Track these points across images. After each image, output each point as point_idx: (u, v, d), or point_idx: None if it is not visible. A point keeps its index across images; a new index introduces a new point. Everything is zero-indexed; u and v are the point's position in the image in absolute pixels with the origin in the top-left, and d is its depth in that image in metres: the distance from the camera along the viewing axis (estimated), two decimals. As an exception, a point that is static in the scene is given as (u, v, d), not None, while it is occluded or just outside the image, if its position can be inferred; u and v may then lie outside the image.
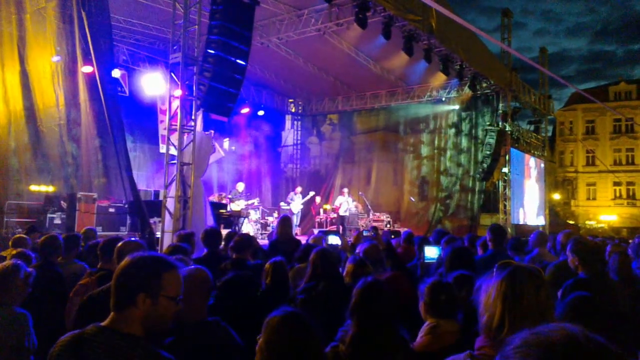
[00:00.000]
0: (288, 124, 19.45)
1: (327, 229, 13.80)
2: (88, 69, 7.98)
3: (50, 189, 9.11)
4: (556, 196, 32.73)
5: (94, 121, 8.33)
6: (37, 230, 6.67)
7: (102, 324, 1.61)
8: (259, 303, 3.17)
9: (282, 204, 14.90)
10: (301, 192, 14.90)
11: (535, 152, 18.95)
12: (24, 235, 5.28)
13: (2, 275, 2.83)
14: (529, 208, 18.11)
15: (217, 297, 2.89)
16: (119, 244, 2.95)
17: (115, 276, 1.68)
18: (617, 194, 35.95)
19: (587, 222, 34.12)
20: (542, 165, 19.48)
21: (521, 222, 16.90)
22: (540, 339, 0.82)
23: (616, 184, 35.44)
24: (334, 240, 5.13)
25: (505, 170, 15.53)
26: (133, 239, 3.27)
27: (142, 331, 1.61)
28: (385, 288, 2.34)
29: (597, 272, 2.99)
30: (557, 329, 0.83)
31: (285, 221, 5.70)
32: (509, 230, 14.48)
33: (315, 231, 13.43)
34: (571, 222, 32.19)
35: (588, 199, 37.04)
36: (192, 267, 2.40)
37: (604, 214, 35.02)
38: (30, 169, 8.87)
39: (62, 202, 8.82)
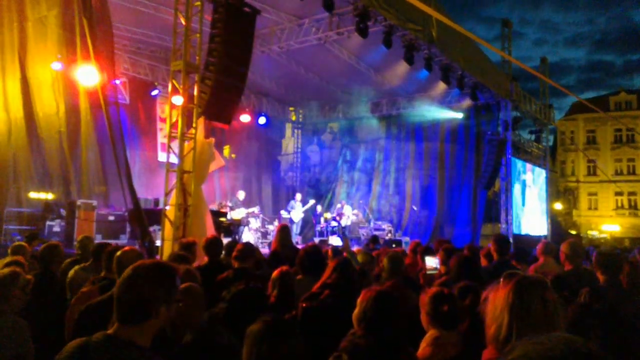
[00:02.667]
0: (288, 132, 19.47)
1: (328, 237, 13.74)
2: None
3: (49, 196, 9.08)
4: (557, 206, 32.66)
5: (94, 129, 8.33)
6: (37, 238, 6.64)
7: (109, 332, 1.59)
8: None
9: (282, 212, 14.86)
10: (301, 201, 14.87)
11: (537, 162, 18.93)
12: (24, 243, 5.24)
13: (0, 284, 2.80)
14: (531, 218, 18.06)
15: (228, 309, 2.86)
16: (118, 252, 2.92)
17: (131, 289, 1.61)
18: (619, 204, 35.89)
19: (589, 232, 34.02)
20: (544, 174, 19.46)
21: (523, 232, 16.83)
22: (540, 350, 0.80)
23: (618, 193, 35.39)
24: (335, 242, 5.12)
25: (506, 179, 15.51)
26: (132, 247, 3.23)
27: (150, 341, 1.59)
28: (398, 299, 2.31)
29: (618, 281, 2.96)
30: (559, 340, 0.80)
31: (283, 230, 5.68)
32: (510, 240, 14.41)
33: (316, 240, 13.38)
34: (573, 232, 32.07)
35: (590, 208, 36.97)
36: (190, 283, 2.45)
37: (606, 223, 34.94)
38: (30, 176, 8.85)
39: (61, 209, 8.79)
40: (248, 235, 12.55)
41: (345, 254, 4.84)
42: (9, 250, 4.83)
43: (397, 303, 2.25)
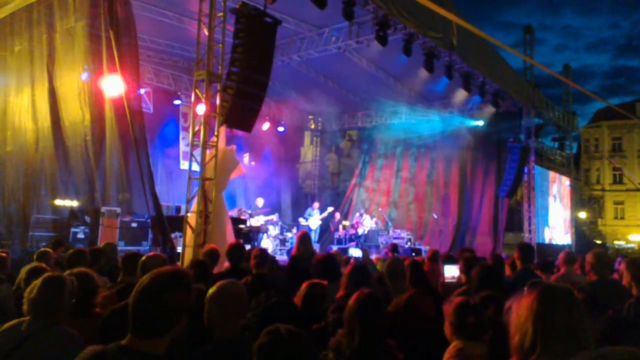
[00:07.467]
0: (307, 140, 19.55)
1: (347, 245, 13.69)
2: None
3: (74, 203, 9.27)
4: (582, 215, 31.85)
5: (119, 137, 8.50)
6: (62, 245, 6.78)
7: (123, 343, 1.57)
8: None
9: (300, 219, 14.90)
10: (319, 208, 14.88)
11: (560, 170, 18.55)
12: (49, 250, 5.36)
13: (48, 289, 2.42)
14: (555, 227, 17.67)
15: (258, 321, 2.89)
16: (143, 257, 2.96)
17: (154, 298, 1.57)
18: (648, 213, 34.82)
19: (615, 241, 33.03)
20: (568, 183, 19.05)
21: (546, 241, 16.47)
22: None
23: (646, 203, 34.35)
24: (355, 253, 5.13)
25: (529, 187, 15.23)
26: (156, 253, 3.29)
27: (164, 349, 1.58)
28: (380, 300, 2.43)
29: None
30: (620, 353, 0.78)
31: (304, 237, 5.70)
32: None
33: (334, 247, 13.34)
34: (598, 241, 31.20)
35: (616, 218, 35.96)
36: (229, 281, 2.40)
37: (634, 233, 33.87)
38: (56, 184, 9.05)
39: (86, 216, 8.97)
40: (266, 242, 12.60)
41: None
42: (34, 257, 4.94)
43: (379, 304, 2.37)
